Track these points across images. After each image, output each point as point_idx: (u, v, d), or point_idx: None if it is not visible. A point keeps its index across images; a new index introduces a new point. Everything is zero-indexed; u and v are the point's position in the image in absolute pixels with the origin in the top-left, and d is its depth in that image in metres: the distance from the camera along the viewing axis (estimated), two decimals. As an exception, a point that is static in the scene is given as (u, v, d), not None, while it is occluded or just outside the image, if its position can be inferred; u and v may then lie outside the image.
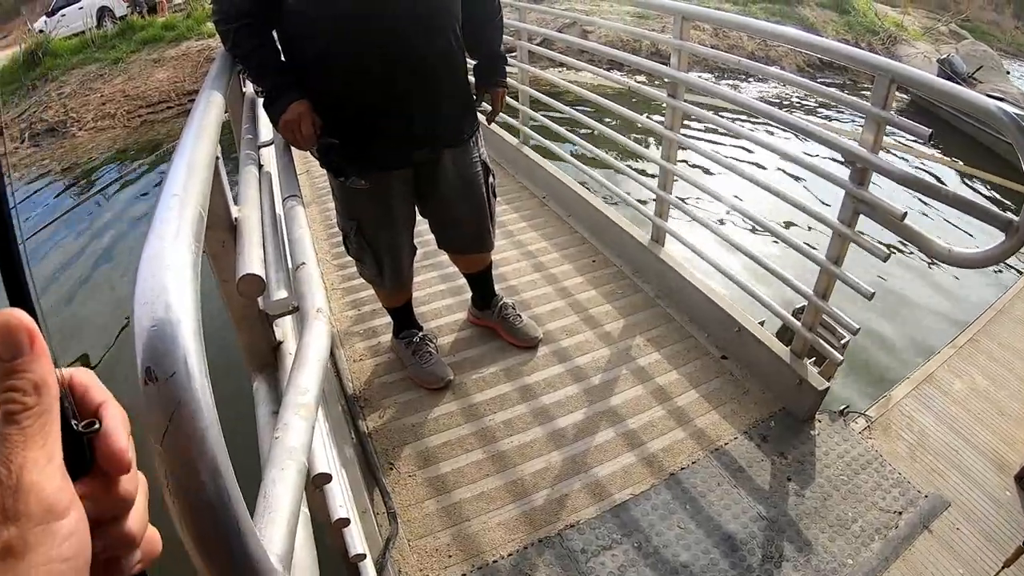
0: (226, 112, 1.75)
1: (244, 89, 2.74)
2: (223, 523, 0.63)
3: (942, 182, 9.23)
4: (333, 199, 2.59)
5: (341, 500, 1.52)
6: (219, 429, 0.63)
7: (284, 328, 1.54)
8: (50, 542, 0.35)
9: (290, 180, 1.79)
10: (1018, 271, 6.34)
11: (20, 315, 0.37)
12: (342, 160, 2.32)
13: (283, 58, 2.18)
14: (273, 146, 2.18)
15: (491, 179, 2.71)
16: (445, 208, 2.63)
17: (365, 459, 2.58)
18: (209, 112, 1.37)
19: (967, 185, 9.45)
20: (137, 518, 0.45)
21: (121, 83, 11.74)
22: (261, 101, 2.22)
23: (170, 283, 0.71)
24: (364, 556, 1.69)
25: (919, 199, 7.22)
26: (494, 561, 2.26)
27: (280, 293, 1.36)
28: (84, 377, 0.45)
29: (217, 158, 1.25)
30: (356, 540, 1.66)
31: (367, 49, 2.12)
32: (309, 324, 1.14)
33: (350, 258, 3.65)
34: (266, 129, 2.40)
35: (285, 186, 1.77)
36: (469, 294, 3.30)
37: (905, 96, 14.04)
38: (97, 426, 0.42)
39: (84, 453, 0.42)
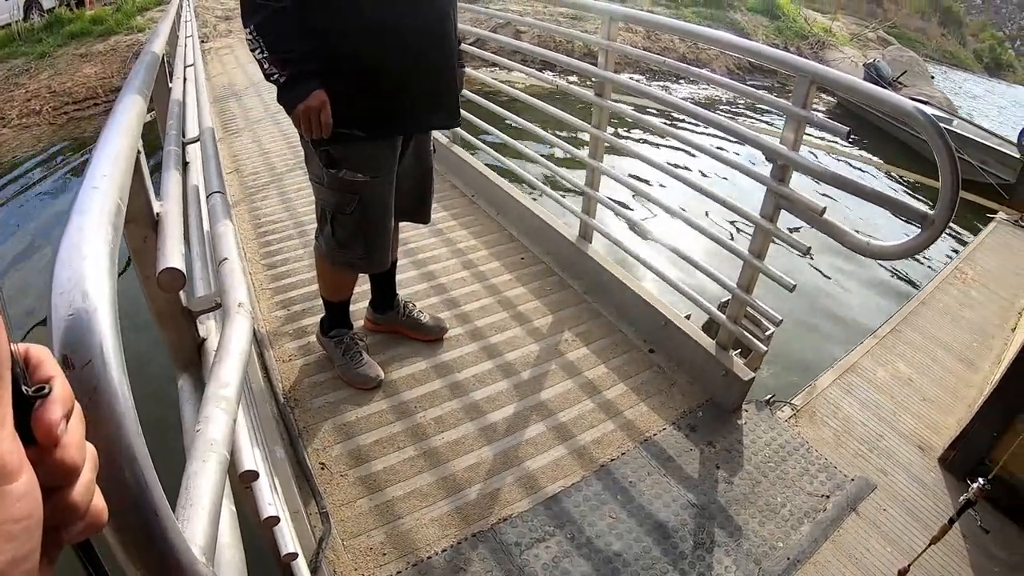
0: (152, 110, 1.74)
1: (170, 85, 2.70)
2: (141, 509, 0.63)
3: (866, 180, 9.51)
4: (317, 182, 2.54)
5: (270, 499, 1.51)
6: (136, 416, 0.63)
7: (208, 325, 1.53)
8: (3, 504, 0.36)
9: (215, 176, 1.77)
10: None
11: None
12: (355, 137, 2.37)
13: (319, 30, 2.21)
14: (199, 143, 2.16)
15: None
16: (403, 178, 2.67)
17: (296, 460, 2.55)
18: (131, 108, 1.35)
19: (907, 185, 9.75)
20: (82, 489, 0.45)
21: (47, 79, 11.34)
22: (276, 89, 2.24)
23: (88, 272, 0.71)
24: (296, 555, 1.68)
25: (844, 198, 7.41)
26: (428, 557, 2.26)
27: (203, 289, 1.35)
28: (39, 352, 0.46)
29: (139, 152, 1.23)
30: (288, 539, 1.66)
31: (409, 23, 2.28)
32: (230, 318, 1.13)
33: (281, 258, 3.62)
34: (192, 125, 2.38)
35: (209, 182, 1.75)
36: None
37: (833, 99, 14.49)
38: (47, 391, 0.43)
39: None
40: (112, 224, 0.83)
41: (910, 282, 6.74)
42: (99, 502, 0.47)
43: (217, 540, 0.89)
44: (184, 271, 1.14)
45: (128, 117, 1.24)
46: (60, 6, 15.13)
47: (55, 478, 0.42)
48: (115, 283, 0.74)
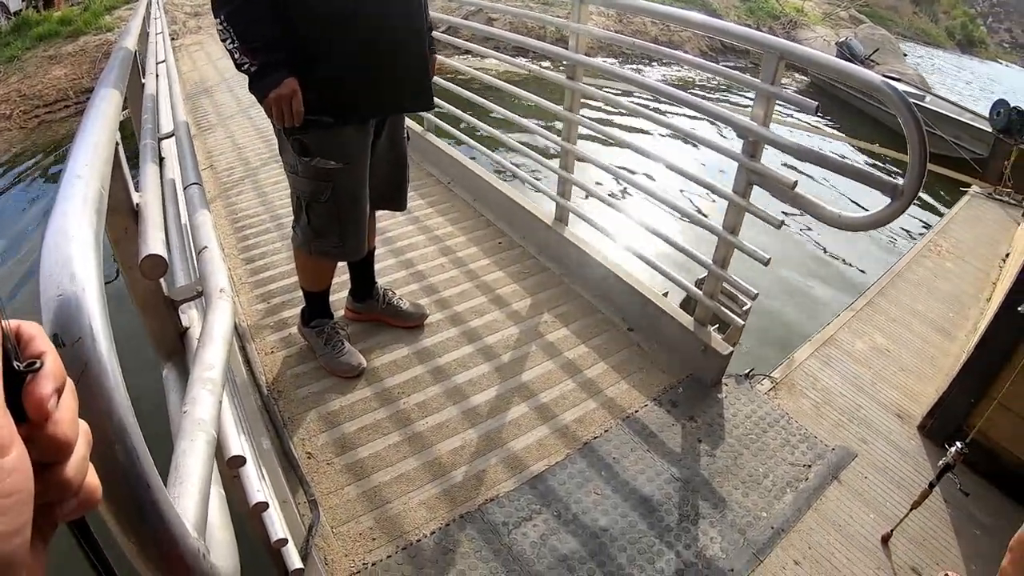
0: (126, 108, 1.74)
1: (143, 81, 2.69)
2: (132, 482, 0.65)
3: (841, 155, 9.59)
4: (291, 172, 2.55)
5: (258, 485, 1.53)
6: (125, 391, 0.65)
7: (191, 315, 1.54)
8: None
9: (191, 169, 1.78)
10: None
11: None
12: (328, 121, 2.39)
13: (292, 18, 2.22)
14: (174, 137, 2.16)
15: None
16: (378, 165, 2.70)
17: (282, 450, 2.56)
18: (108, 100, 1.36)
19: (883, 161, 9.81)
20: (75, 465, 0.45)
21: (16, 82, 11.13)
22: (247, 79, 2.24)
23: (74, 254, 0.73)
24: (286, 541, 1.69)
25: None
26: (418, 540, 2.28)
27: (184, 279, 1.36)
28: (31, 328, 0.47)
29: (117, 144, 1.24)
30: (277, 526, 1.67)
31: (383, 11, 2.33)
32: (213, 304, 1.15)
33: (259, 251, 3.61)
34: (166, 121, 2.38)
35: (186, 175, 1.76)
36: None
37: (806, 79, 14.56)
38: (38, 365, 0.43)
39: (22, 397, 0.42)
40: (96, 209, 0.85)
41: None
42: (93, 479, 0.47)
43: (208, 520, 0.92)
44: (166, 258, 1.16)
45: (105, 110, 1.25)
46: (27, 8, 14.88)
47: (48, 454, 0.43)
48: (101, 264, 0.75)
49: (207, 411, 0.93)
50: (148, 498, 0.66)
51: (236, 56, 2.19)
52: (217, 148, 5.81)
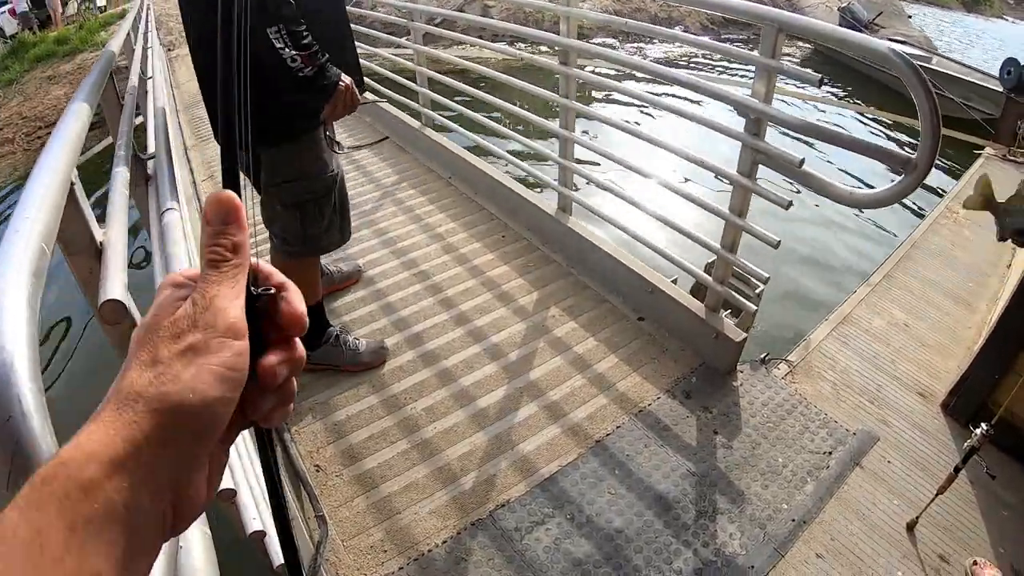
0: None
1: (122, 103, 2.65)
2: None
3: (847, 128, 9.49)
4: (292, 177, 2.53)
5: (254, 512, 1.49)
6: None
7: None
8: (225, 351, 0.46)
9: (168, 193, 1.73)
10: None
11: (233, 197, 0.51)
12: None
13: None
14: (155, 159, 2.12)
15: None
16: None
17: (290, 464, 2.54)
18: (64, 138, 1.30)
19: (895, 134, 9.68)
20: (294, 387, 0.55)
21: (17, 105, 11.17)
22: (298, 83, 2.26)
23: (5, 327, 0.68)
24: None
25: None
26: (429, 551, 2.25)
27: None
28: (267, 267, 0.55)
29: (73, 183, 1.19)
30: (279, 549, 1.63)
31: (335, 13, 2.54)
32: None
33: (262, 260, 3.60)
34: (152, 140, 2.33)
35: (163, 200, 1.71)
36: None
37: (809, 46, 14.41)
38: (272, 290, 0.53)
39: (258, 322, 0.51)
40: (32, 271, 0.80)
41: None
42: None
43: (192, 569, 0.88)
44: (126, 302, 1.11)
45: (58, 149, 1.20)
46: (22, 31, 14.96)
47: (296, 368, 0.53)
48: (35, 332, 0.71)
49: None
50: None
51: (295, 63, 2.17)
52: (217, 159, 5.72)
